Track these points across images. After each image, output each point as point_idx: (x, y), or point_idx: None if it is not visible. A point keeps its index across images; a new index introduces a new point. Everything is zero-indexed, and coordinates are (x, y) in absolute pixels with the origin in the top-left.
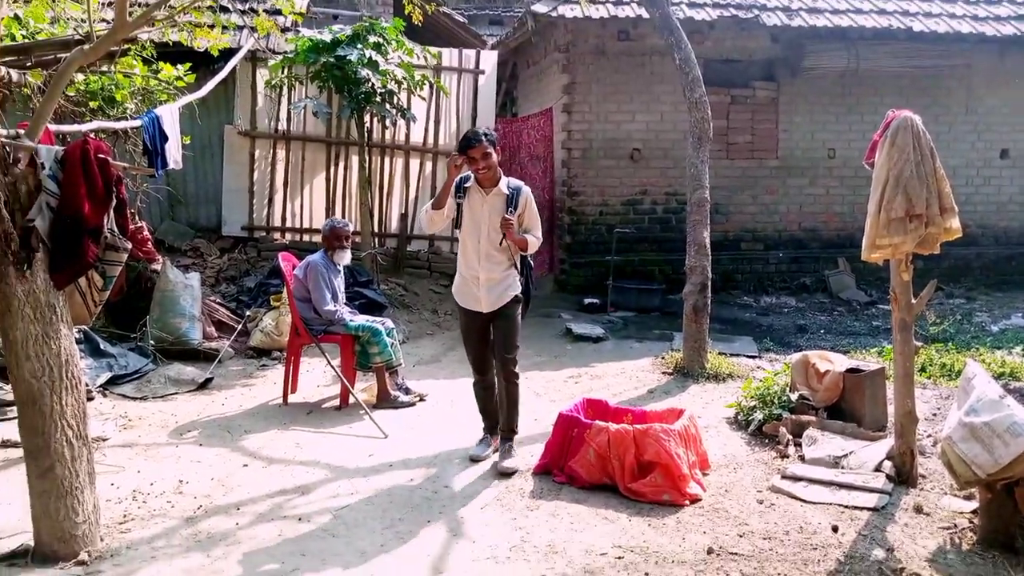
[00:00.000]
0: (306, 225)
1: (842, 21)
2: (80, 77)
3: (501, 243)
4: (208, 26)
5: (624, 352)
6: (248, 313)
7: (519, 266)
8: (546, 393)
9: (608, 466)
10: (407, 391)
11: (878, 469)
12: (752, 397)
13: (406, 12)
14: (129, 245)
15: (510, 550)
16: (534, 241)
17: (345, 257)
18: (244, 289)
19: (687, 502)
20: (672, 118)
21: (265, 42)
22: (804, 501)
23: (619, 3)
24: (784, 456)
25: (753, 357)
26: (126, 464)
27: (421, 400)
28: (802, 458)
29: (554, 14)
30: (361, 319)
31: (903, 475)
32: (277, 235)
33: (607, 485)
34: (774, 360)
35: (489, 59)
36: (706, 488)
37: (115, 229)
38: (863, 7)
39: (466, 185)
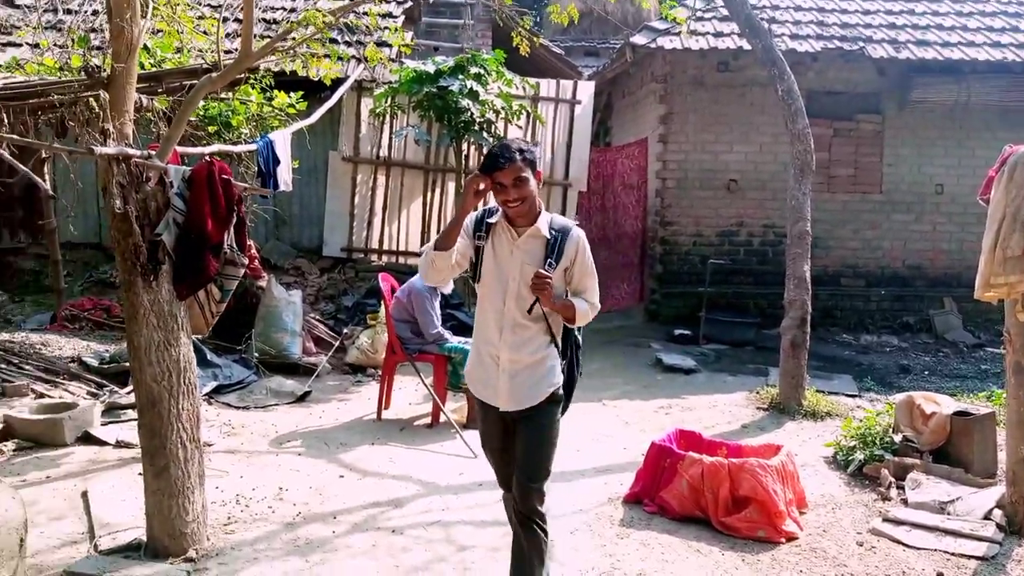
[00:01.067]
0: (402, 248)
1: (952, 54)
2: (200, 103)
3: (531, 310)
4: (324, 56)
5: (716, 385)
6: (345, 331)
7: (561, 345)
8: (635, 423)
9: (701, 499)
10: None
11: (987, 517)
12: (852, 437)
13: (514, 44)
14: (247, 261)
15: None
16: (586, 310)
17: (449, 285)
18: (341, 308)
19: (783, 540)
20: (772, 149)
21: (370, 72)
22: (907, 546)
23: (719, 35)
24: (886, 499)
25: (852, 396)
26: (230, 469)
27: None
28: (905, 502)
29: (653, 46)
30: (454, 341)
31: (1015, 525)
32: (374, 257)
33: (699, 518)
34: (874, 400)
35: (586, 89)
36: (803, 527)
37: (234, 245)
38: (975, 39)
39: (490, 221)
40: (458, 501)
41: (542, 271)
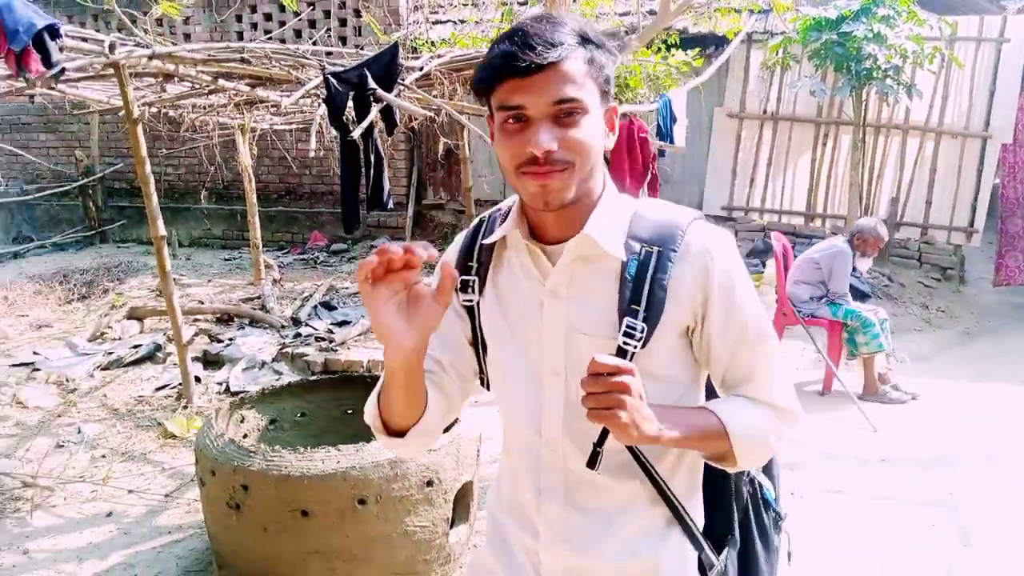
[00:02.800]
0: (786, 207)
1: None
2: None
3: (594, 461)
4: (734, 11)
5: None
6: None
7: (702, 518)
8: None
9: None
10: (895, 387)
11: None
12: None
13: None
14: None
15: None
16: (759, 426)
17: (866, 264)
18: None
19: None
20: None
21: (763, 23)
22: None
23: None
24: None
25: None
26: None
27: (913, 399)
28: None
29: None
30: (851, 306)
31: None
32: (755, 215)
33: None
34: None
35: (1018, 26)
36: None
37: None
38: None
39: (486, 242)
40: (859, 473)
41: (603, 359)
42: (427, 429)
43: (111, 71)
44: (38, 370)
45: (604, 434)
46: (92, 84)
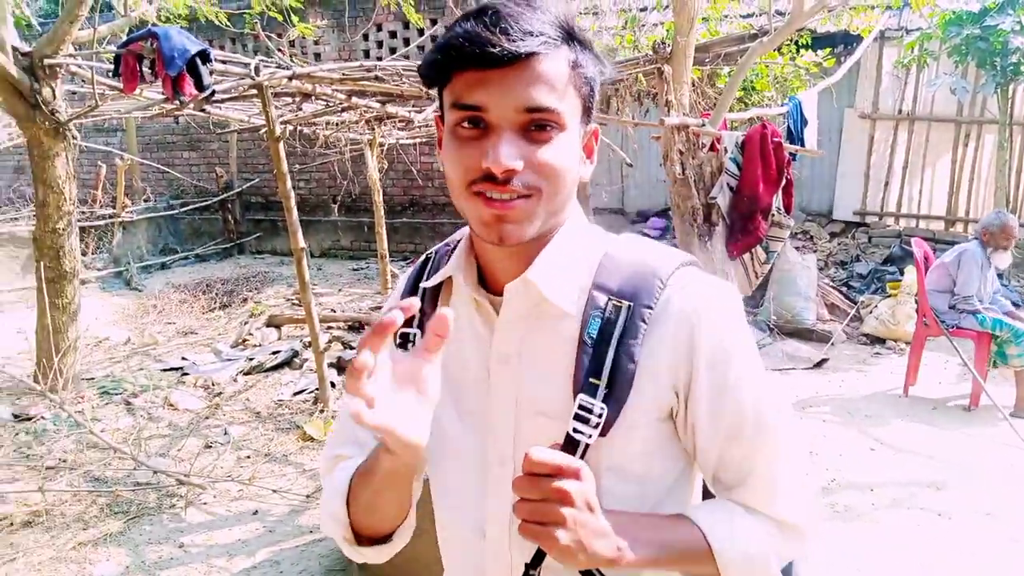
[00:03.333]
0: (923, 212)
1: None
2: (726, 70)
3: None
4: (870, 7)
5: None
6: (861, 299)
7: None
8: None
9: None
10: None
11: None
12: None
13: None
14: (792, 223)
15: None
16: (753, 550)
17: (1004, 260)
18: (854, 274)
19: None
20: None
21: (896, 19)
22: None
23: None
24: None
25: None
26: None
27: None
28: None
29: None
30: (999, 316)
31: None
32: (890, 221)
33: None
34: None
35: None
36: None
37: (781, 208)
38: None
39: (427, 285)
40: (1011, 495)
41: (541, 454)
42: (410, 524)
43: (255, 92)
44: (187, 374)
45: (540, 554)
46: (234, 104)
